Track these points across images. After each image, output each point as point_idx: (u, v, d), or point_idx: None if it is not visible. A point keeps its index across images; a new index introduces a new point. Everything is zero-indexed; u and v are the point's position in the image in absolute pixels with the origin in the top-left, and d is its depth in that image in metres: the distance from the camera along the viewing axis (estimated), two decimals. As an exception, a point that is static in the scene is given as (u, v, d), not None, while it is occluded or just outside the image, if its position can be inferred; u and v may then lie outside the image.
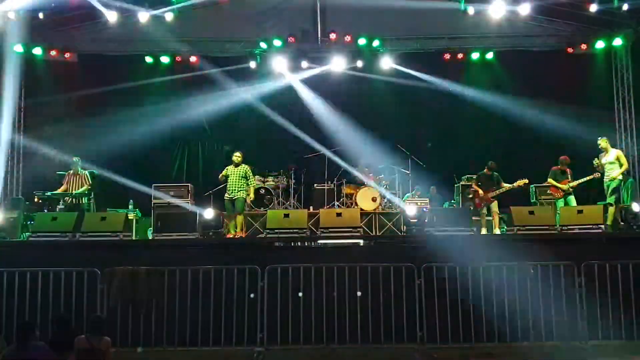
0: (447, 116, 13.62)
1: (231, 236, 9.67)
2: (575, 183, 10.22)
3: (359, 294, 7.21)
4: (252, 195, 10.18)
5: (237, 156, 10.11)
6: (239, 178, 9.98)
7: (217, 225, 10.50)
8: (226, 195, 9.99)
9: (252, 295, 7.19)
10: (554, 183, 10.32)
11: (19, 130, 13.27)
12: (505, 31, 13.27)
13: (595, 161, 10.07)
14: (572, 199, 10.19)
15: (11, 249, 8.39)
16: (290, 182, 12.31)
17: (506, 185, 10.19)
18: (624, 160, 9.91)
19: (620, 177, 9.85)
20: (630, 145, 13.24)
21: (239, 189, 9.93)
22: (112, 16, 12.27)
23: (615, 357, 6.96)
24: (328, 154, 12.51)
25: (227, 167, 10.12)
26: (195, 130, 13.62)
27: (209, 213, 10.33)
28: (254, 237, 10.01)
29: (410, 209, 10.88)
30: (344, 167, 12.35)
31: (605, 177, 9.94)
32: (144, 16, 12.28)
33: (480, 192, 10.30)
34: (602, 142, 10.08)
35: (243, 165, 10.09)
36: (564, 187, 10.21)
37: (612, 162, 9.89)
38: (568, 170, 10.34)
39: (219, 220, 10.70)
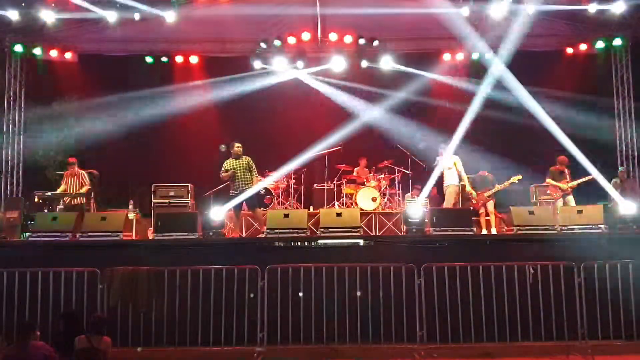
0: (447, 116, 13.60)
1: (238, 235, 9.63)
2: (574, 183, 10.23)
3: (358, 294, 7.21)
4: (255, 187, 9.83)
5: (238, 147, 9.60)
6: (244, 171, 9.51)
7: (218, 225, 10.38)
8: (233, 192, 9.52)
9: (252, 295, 7.18)
10: (553, 183, 10.34)
11: (19, 130, 13.28)
12: (505, 31, 13.25)
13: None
14: (571, 199, 10.21)
15: (11, 249, 8.39)
16: (290, 182, 12.31)
17: (499, 186, 10.25)
18: (460, 167, 10.36)
19: (456, 182, 10.32)
20: (630, 145, 13.25)
21: (247, 183, 9.48)
22: (111, 16, 12.26)
23: (615, 357, 6.97)
24: None
25: (226, 162, 9.61)
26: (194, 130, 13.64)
27: (215, 213, 9.80)
28: (254, 237, 9.99)
29: (411, 209, 10.86)
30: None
31: (445, 182, 10.51)
32: (141, 16, 12.27)
33: (473, 193, 10.38)
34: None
35: (244, 157, 9.63)
36: (563, 186, 10.22)
37: (450, 168, 10.38)
38: (566, 170, 10.35)
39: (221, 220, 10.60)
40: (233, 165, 9.55)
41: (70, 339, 5.78)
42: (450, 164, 10.43)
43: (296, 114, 13.68)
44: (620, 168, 11.95)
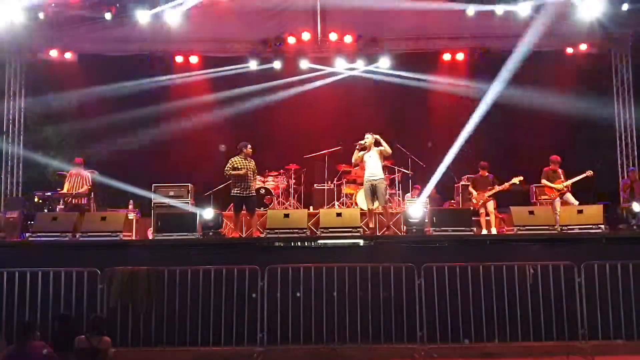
0: (446, 116, 13.62)
1: (238, 235, 9.62)
2: (568, 182, 10.22)
3: (359, 294, 7.21)
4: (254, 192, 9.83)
5: (250, 148, 9.53)
6: (252, 174, 9.46)
7: (217, 225, 10.38)
8: (238, 191, 9.41)
9: (254, 295, 7.18)
10: (548, 184, 10.34)
11: (19, 130, 13.28)
12: (505, 31, 13.26)
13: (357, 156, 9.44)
14: (569, 196, 10.17)
15: (11, 249, 8.39)
16: (290, 182, 12.31)
17: (499, 187, 10.23)
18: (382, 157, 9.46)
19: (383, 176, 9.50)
20: (631, 144, 13.25)
21: (253, 186, 9.42)
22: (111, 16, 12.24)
23: (615, 357, 6.97)
24: None
25: (234, 160, 9.45)
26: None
27: (208, 213, 9.84)
28: (254, 237, 9.99)
29: (411, 209, 10.86)
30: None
31: (368, 175, 9.39)
32: (143, 16, 12.26)
33: (475, 193, 10.37)
34: (370, 138, 9.43)
35: (251, 159, 9.58)
36: (558, 187, 10.22)
37: (378, 160, 9.43)
38: (560, 170, 10.34)
39: (218, 220, 10.59)
40: (245, 165, 9.45)
41: (67, 340, 5.77)
42: (374, 154, 9.40)
43: (296, 114, 13.68)
44: (631, 168, 11.95)
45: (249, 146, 9.61)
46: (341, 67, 13.76)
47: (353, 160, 9.73)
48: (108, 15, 12.04)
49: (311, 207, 11.77)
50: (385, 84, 13.66)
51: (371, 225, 9.62)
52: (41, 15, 11.91)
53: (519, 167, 10.91)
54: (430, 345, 7.03)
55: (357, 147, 9.48)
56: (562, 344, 7.04)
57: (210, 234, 9.10)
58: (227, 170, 9.44)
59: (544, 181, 10.42)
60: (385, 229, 10.27)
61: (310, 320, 7.15)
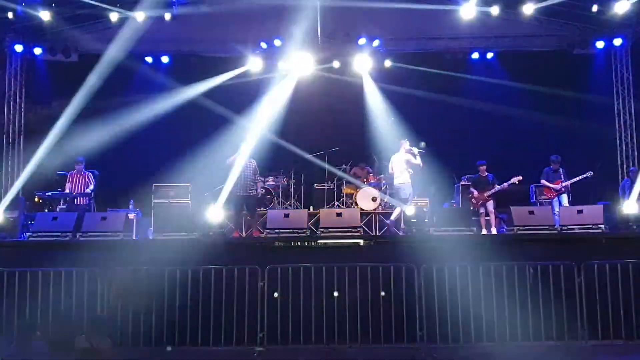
0: (447, 116, 13.61)
1: (238, 235, 9.63)
2: (567, 182, 10.22)
3: (359, 294, 7.21)
4: (258, 192, 9.88)
5: (244, 145, 9.62)
6: (251, 173, 9.52)
7: (218, 224, 10.35)
8: (237, 191, 9.48)
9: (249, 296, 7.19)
10: (546, 184, 10.34)
11: (19, 130, 13.27)
12: (506, 31, 13.26)
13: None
14: (564, 198, 10.19)
15: (11, 249, 8.39)
16: (290, 182, 12.31)
17: (499, 187, 10.23)
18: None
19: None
20: (631, 145, 13.25)
21: (253, 186, 9.49)
22: (113, 16, 12.26)
23: (615, 357, 6.97)
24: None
25: (235, 157, 9.55)
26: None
27: (215, 213, 9.74)
28: (254, 237, 9.99)
29: (410, 209, 10.87)
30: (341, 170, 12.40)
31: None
32: (143, 16, 12.26)
33: (476, 193, 10.37)
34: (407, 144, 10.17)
35: (251, 159, 9.64)
36: (556, 187, 10.23)
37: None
38: (560, 169, 10.35)
39: (221, 220, 10.57)
40: (244, 164, 9.48)
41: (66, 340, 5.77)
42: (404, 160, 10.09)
43: (296, 114, 13.66)
44: (631, 168, 11.94)
45: (243, 143, 9.63)
46: (341, 66, 13.75)
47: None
48: (113, 16, 12.06)
49: (311, 207, 11.77)
50: (385, 84, 13.65)
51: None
52: (41, 15, 11.91)
53: (519, 167, 10.90)
54: (430, 345, 7.03)
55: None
56: (562, 343, 7.04)
57: (210, 234, 9.09)
58: (227, 160, 9.51)
59: (543, 181, 10.44)
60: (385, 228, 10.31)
61: (310, 320, 7.15)
